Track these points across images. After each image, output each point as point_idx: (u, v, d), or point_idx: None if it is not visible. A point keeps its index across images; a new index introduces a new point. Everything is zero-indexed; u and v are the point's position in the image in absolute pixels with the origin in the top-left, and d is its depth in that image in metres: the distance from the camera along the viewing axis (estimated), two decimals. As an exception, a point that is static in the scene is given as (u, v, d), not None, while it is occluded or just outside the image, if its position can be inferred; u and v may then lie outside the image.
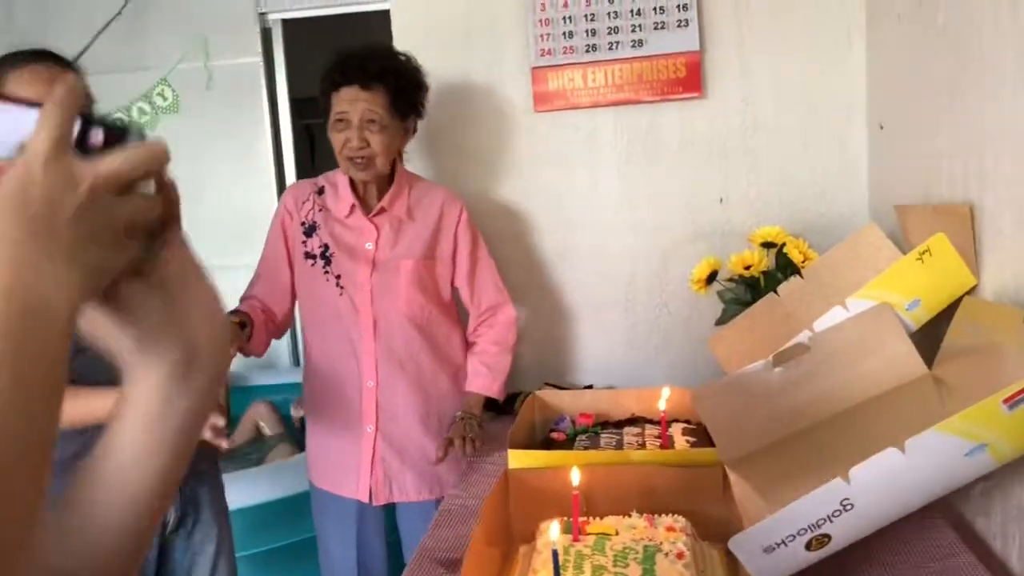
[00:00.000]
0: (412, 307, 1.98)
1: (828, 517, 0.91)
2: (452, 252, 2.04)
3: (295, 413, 3.17)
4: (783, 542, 0.92)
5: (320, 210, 2.01)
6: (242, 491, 2.37)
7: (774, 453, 1.34)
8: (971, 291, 1.39)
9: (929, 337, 1.43)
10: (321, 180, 2.07)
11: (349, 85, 1.89)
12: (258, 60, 4.02)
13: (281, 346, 3.64)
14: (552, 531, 1.14)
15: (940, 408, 1.30)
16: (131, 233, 0.51)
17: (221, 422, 1.53)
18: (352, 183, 2.00)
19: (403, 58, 1.99)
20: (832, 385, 1.34)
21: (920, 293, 1.38)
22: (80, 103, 0.50)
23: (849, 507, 0.90)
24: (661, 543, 1.24)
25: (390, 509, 2.07)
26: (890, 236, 1.69)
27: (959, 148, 1.46)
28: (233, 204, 3.97)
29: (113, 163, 0.50)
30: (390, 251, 1.98)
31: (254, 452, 3.04)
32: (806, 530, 0.92)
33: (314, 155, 5.94)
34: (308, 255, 2.00)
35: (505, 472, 1.42)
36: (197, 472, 1.74)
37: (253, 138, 4.05)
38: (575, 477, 1.29)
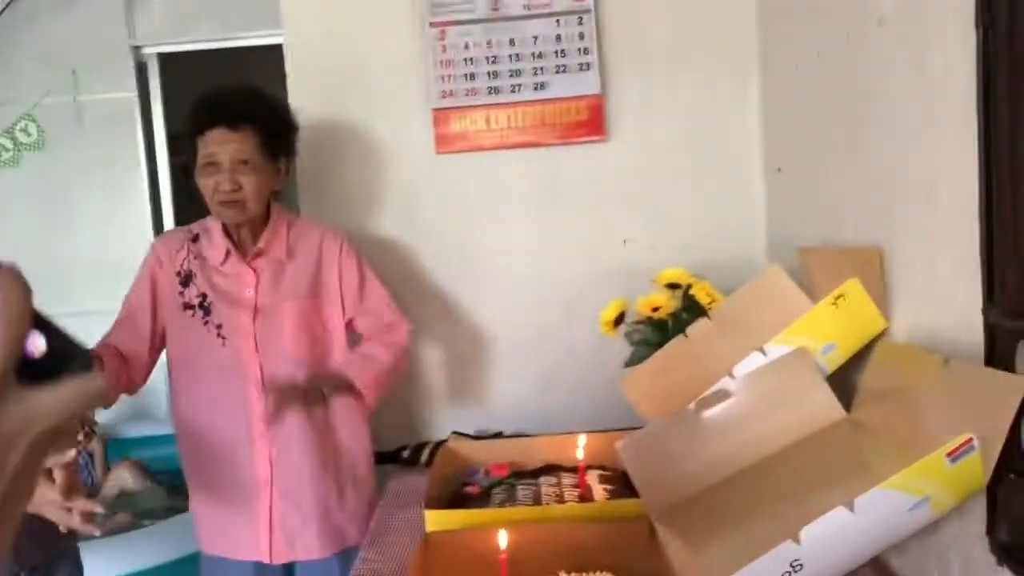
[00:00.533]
0: (300, 350, 1.88)
1: (778, 580, 0.88)
2: (338, 285, 1.95)
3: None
4: (733, 608, 0.89)
5: (195, 258, 1.91)
6: (120, 558, 2.20)
7: (701, 503, 1.32)
8: (882, 334, 1.41)
9: (842, 380, 1.45)
10: (195, 227, 1.96)
11: (216, 127, 1.81)
12: (133, 95, 3.84)
13: (157, 394, 3.43)
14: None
15: (860, 453, 1.31)
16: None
17: (97, 508, 1.41)
18: (225, 227, 1.90)
19: (271, 97, 1.92)
20: (755, 431, 1.34)
21: (835, 337, 1.40)
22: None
23: (799, 568, 0.88)
24: (593, 605, 1.20)
25: (288, 567, 1.94)
26: (792, 276, 1.71)
27: (863, 192, 1.50)
28: (106, 246, 3.76)
29: (53, 412, 0.43)
30: (271, 295, 1.89)
31: (121, 509, 2.84)
32: (758, 595, 0.89)
33: (191, 194, 5.74)
34: (187, 306, 1.88)
35: (425, 537, 1.34)
36: (55, 555, 1.61)
37: (127, 176, 3.87)
38: (502, 540, 1.23)
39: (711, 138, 2.20)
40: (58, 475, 1.36)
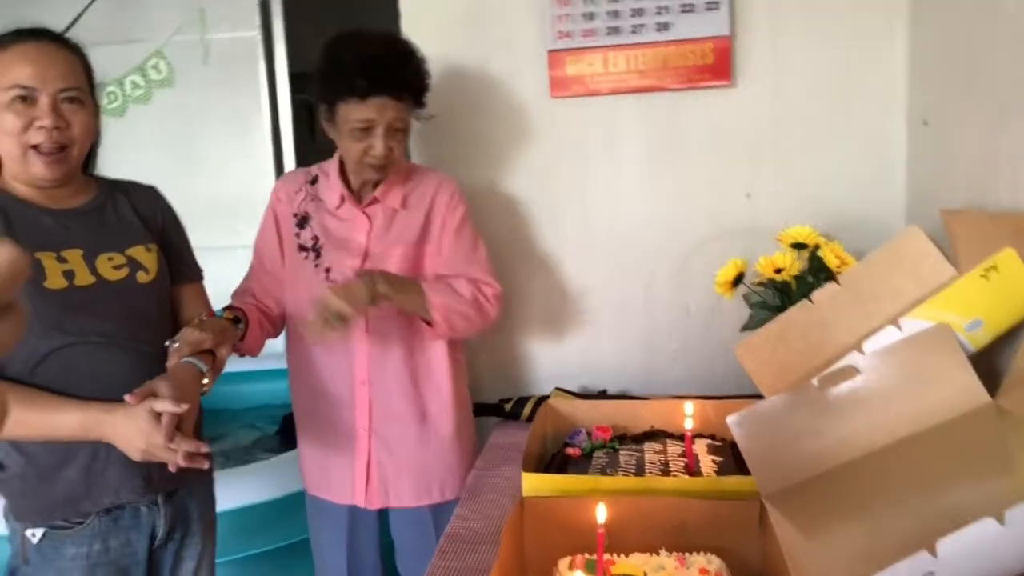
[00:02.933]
0: None
1: (908, 592, 0.79)
2: (439, 233, 1.90)
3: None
4: (854, 620, 0.80)
5: (312, 200, 1.90)
6: (233, 492, 2.27)
7: (819, 487, 1.22)
8: (1039, 313, 1.26)
9: (988, 362, 1.30)
10: (315, 169, 1.95)
11: (378, 95, 1.73)
12: (256, 34, 3.87)
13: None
14: (578, 581, 1.01)
15: (1005, 445, 1.17)
16: None
17: (201, 448, 1.42)
18: (343, 172, 1.89)
19: (419, 57, 1.85)
20: (885, 414, 1.22)
21: (982, 313, 1.26)
22: None
23: (933, 581, 0.78)
24: (695, 589, 1.13)
25: (383, 513, 1.96)
26: (933, 241, 1.56)
27: (1024, 150, 1.33)
28: (229, 182, 3.86)
29: None
30: (382, 241, 1.87)
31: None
32: (881, 608, 0.80)
33: (314, 131, 5.81)
34: (302, 247, 1.89)
35: (520, 501, 1.29)
36: (188, 484, 1.64)
37: (250, 114, 3.92)
38: (601, 514, 1.16)
39: (849, 86, 2.02)
40: (165, 419, 1.38)
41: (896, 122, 2.00)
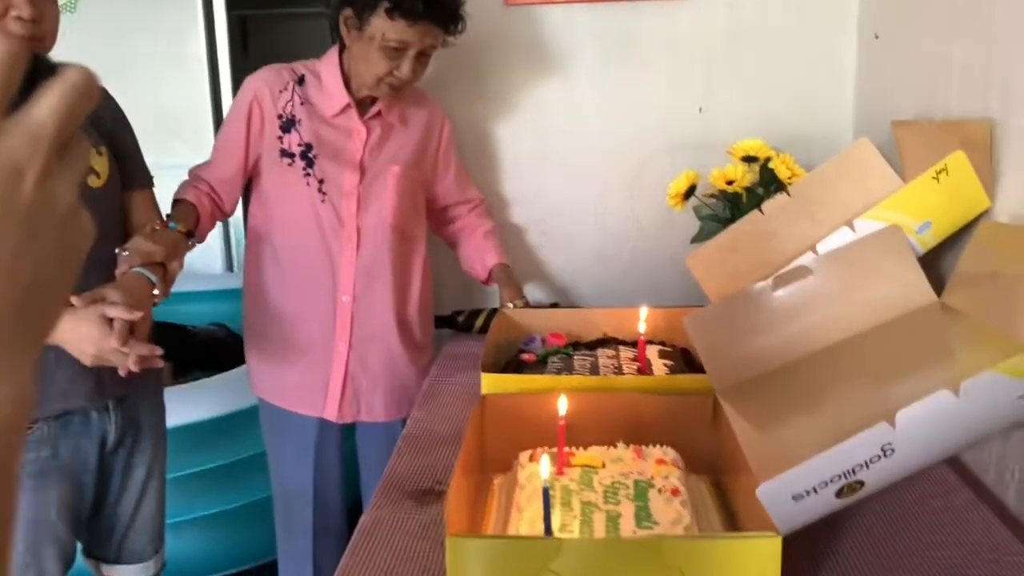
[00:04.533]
0: (397, 216, 1.85)
1: (865, 463, 0.82)
2: (435, 159, 1.94)
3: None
4: (814, 489, 0.84)
5: (302, 103, 1.81)
6: (182, 408, 2.24)
7: (772, 382, 1.26)
8: (984, 214, 1.30)
9: (935, 262, 1.35)
10: (300, 67, 1.85)
11: (425, 21, 1.67)
12: (190, -56, 3.70)
13: (212, 250, 3.44)
14: (543, 468, 1.03)
15: (948, 340, 1.23)
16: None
17: (156, 351, 1.39)
18: (346, 79, 1.81)
19: None
20: (835, 311, 1.26)
21: (932, 215, 1.30)
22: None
23: (890, 452, 0.81)
24: (652, 478, 1.16)
25: (349, 427, 1.97)
26: (882, 153, 1.59)
27: (975, 58, 1.36)
28: (163, 99, 3.71)
29: (48, 118, 0.35)
30: (377, 156, 1.83)
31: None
32: (840, 476, 0.83)
33: (247, 50, 5.61)
34: (285, 153, 1.81)
35: (482, 399, 1.30)
36: (139, 390, 1.62)
37: (185, 29, 3.76)
38: (562, 406, 1.19)
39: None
40: (118, 324, 1.34)
41: (848, 36, 2.02)
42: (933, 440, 0.83)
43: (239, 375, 2.45)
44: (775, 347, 1.28)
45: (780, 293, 1.28)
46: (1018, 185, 1.23)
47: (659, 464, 1.19)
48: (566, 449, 1.22)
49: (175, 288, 3.00)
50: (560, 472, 1.18)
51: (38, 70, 0.38)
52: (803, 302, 1.28)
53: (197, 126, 3.68)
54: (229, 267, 3.55)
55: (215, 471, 2.31)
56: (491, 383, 1.40)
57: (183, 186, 1.82)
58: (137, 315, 1.35)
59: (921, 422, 0.81)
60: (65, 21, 3.73)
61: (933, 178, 1.29)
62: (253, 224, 1.90)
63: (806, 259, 1.31)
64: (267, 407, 1.96)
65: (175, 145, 3.71)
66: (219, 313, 3.07)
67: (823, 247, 1.35)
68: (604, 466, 1.19)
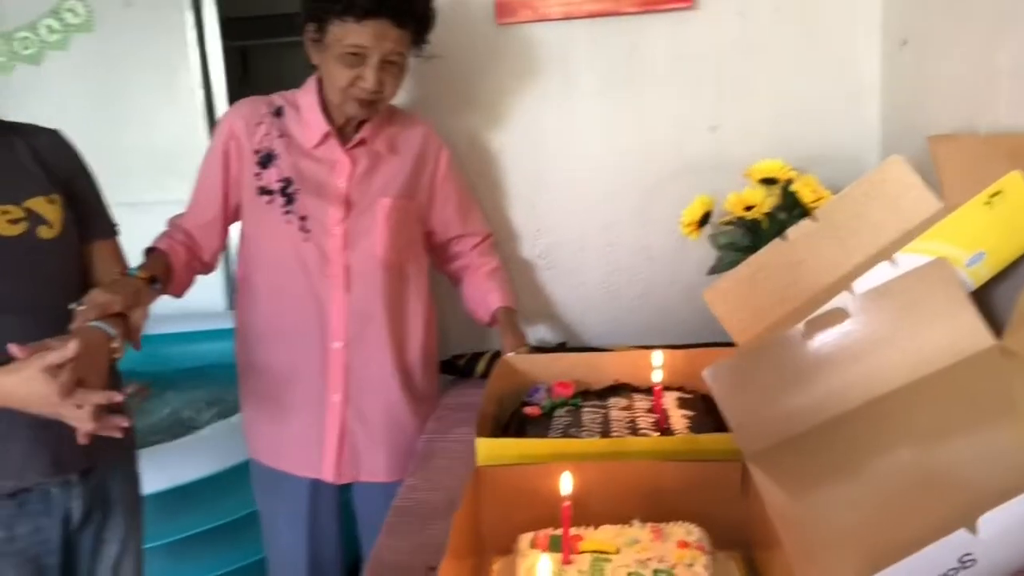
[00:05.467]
0: (389, 253, 1.71)
1: (941, 577, 0.66)
2: (431, 190, 1.80)
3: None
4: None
5: (280, 136, 1.70)
6: (164, 469, 2.10)
7: (806, 445, 1.10)
8: (1045, 243, 1.14)
9: (989, 298, 1.18)
10: (277, 99, 1.73)
11: (378, 18, 1.54)
12: (183, -23, 3.63)
13: (215, 286, 3.34)
14: (541, 568, 0.87)
15: (1010, 390, 1.06)
16: None
17: (115, 398, 1.26)
18: (325, 107, 1.68)
19: None
20: (878, 361, 1.09)
21: (985, 245, 1.13)
22: None
23: (970, 563, 0.65)
24: (674, 566, 1.00)
25: (345, 486, 1.82)
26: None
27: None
28: (157, 135, 3.66)
29: None
30: (365, 188, 1.70)
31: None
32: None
33: (248, 82, 5.54)
34: (263, 190, 1.69)
35: (475, 471, 1.15)
36: (107, 459, 1.48)
37: (178, 62, 3.69)
38: (566, 485, 1.03)
39: (820, 5, 1.88)
40: (64, 375, 1.20)
41: (870, 44, 1.86)
42: (1018, 547, 0.67)
43: (225, 428, 2.32)
44: (810, 404, 1.12)
45: (814, 341, 1.12)
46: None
47: (682, 547, 1.03)
48: (573, 531, 1.06)
49: (178, 328, 2.86)
50: (567, 561, 1.02)
51: None
52: (841, 351, 1.12)
53: (192, 161, 3.57)
54: (232, 305, 3.45)
55: (205, 535, 2.17)
56: (488, 449, 1.25)
57: (158, 236, 1.73)
58: (71, 347, 1.21)
59: (1007, 527, 0.65)
60: (58, 57, 3.66)
61: (985, 203, 1.12)
62: (240, 268, 1.78)
63: (842, 300, 1.15)
64: (260, 468, 1.83)
65: (169, 181, 3.60)
66: (225, 352, 2.95)
67: (860, 285, 1.18)
68: (618, 551, 1.04)
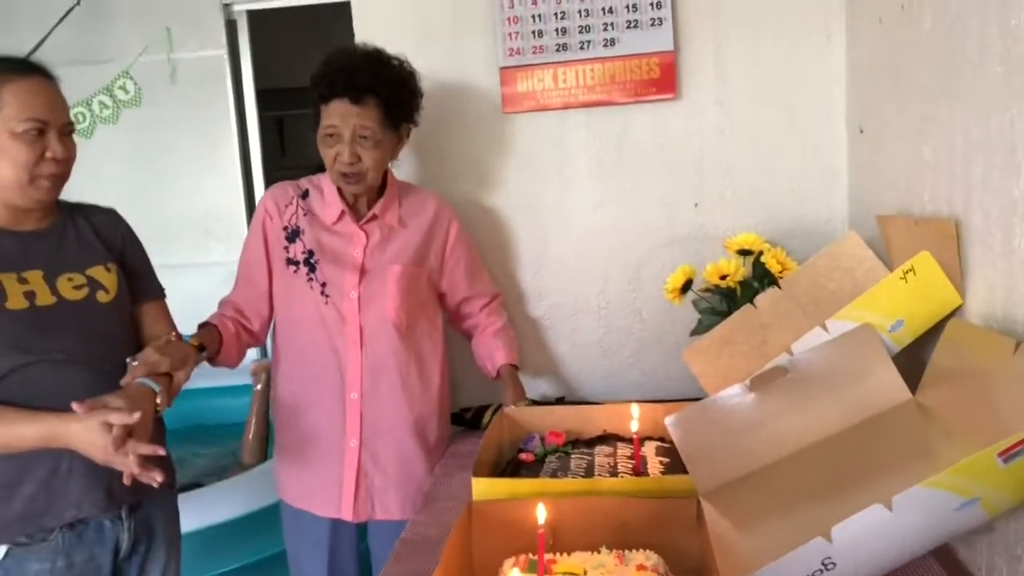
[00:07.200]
0: (399, 315, 1.91)
1: (809, 578, 0.84)
2: (442, 257, 2.00)
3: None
4: (761, 604, 0.85)
5: (305, 214, 1.93)
6: (201, 510, 2.29)
7: (751, 485, 1.27)
8: (956, 311, 1.32)
9: (910, 359, 1.36)
10: (304, 183, 1.99)
11: (339, 98, 1.81)
12: (223, 52, 3.89)
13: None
14: (514, 579, 1.06)
15: (925, 439, 1.23)
16: None
17: (159, 451, 1.46)
18: (340, 189, 1.92)
19: (396, 63, 1.90)
20: (813, 413, 1.28)
21: (903, 313, 1.32)
22: None
23: (831, 566, 0.83)
24: (632, 585, 1.17)
25: (362, 525, 2.00)
26: (871, 245, 1.62)
27: (943, 158, 1.40)
28: (198, 200, 3.88)
29: None
30: (379, 257, 1.92)
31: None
32: (785, 592, 0.85)
33: (284, 148, 5.81)
34: (290, 261, 1.92)
35: (469, 505, 1.34)
36: (152, 497, 1.67)
37: (219, 131, 3.94)
38: (541, 514, 1.21)
39: (790, 96, 2.09)
40: (115, 430, 1.41)
41: (837, 130, 2.06)
42: (874, 552, 0.85)
43: (259, 472, 2.52)
44: (756, 448, 1.30)
45: (757, 393, 1.30)
46: (983, 283, 1.25)
47: (640, 570, 1.20)
48: (550, 556, 1.24)
49: (225, 381, 3.00)
50: (541, 580, 1.20)
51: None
52: (782, 403, 1.30)
53: (231, 224, 3.81)
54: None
55: (238, 571, 2.34)
56: (482, 488, 1.44)
57: (211, 315, 1.93)
58: (134, 417, 1.42)
59: (857, 535, 0.83)
60: (108, 129, 3.89)
61: (901, 278, 1.32)
62: (275, 329, 1.99)
63: (782, 359, 1.34)
64: (287, 508, 2.02)
65: (209, 243, 3.87)
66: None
67: (798, 346, 1.37)
68: (585, 573, 1.21)
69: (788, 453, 1.28)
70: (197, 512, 2.22)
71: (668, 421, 1.34)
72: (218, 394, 3.23)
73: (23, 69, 1.53)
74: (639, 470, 1.56)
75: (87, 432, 1.43)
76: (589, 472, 1.57)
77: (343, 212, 1.91)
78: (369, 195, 1.93)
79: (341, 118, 1.81)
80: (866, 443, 1.25)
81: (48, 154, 1.52)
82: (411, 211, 1.98)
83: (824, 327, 1.36)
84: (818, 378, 1.30)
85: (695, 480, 1.31)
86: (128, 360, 1.57)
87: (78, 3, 3.71)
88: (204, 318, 1.91)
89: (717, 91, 2.11)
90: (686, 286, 1.97)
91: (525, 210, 2.22)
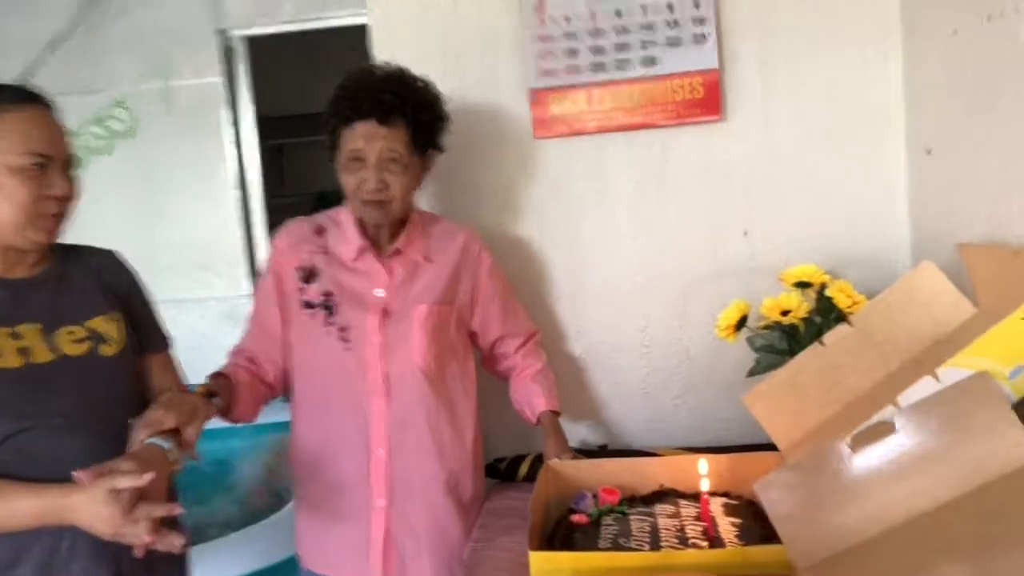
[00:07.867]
0: (427, 360, 1.74)
1: None
2: (472, 293, 1.84)
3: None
4: None
5: (322, 253, 1.77)
6: (214, 565, 2.13)
7: (856, 560, 1.11)
8: (1083, 356, 1.17)
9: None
10: (320, 219, 1.82)
11: (364, 120, 1.65)
12: (220, 80, 3.77)
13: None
14: None
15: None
16: None
17: (175, 510, 1.30)
18: (360, 222, 1.76)
19: (421, 84, 1.75)
20: (925, 475, 1.11)
21: (1024, 359, 1.16)
22: None
23: None
24: None
25: None
26: (948, 276, 1.47)
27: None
28: (196, 232, 3.73)
29: None
30: (403, 296, 1.75)
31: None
32: None
33: (283, 177, 5.68)
34: (307, 304, 1.75)
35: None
36: (162, 572, 1.51)
37: (216, 162, 3.81)
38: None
39: (842, 116, 1.95)
40: (125, 494, 1.24)
41: (895, 151, 1.92)
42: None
43: (274, 524, 2.35)
44: (860, 518, 1.14)
45: (862, 454, 1.14)
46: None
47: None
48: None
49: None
50: None
51: None
52: (888, 464, 1.14)
53: (230, 256, 3.67)
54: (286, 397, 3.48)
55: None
56: (541, 563, 1.28)
57: (221, 367, 1.77)
58: (144, 479, 1.25)
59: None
60: (102, 161, 3.76)
61: (1022, 318, 1.16)
62: (292, 378, 1.82)
63: (888, 413, 1.18)
64: (307, 570, 1.83)
65: (209, 278, 3.71)
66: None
67: (905, 399, 1.21)
68: (676, 671, 1.05)
69: (898, 523, 1.12)
70: (211, 567, 2.05)
71: (758, 487, 1.18)
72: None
73: (22, 98, 1.37)
74: (712, 535, 1.40)
75: (92, 503, 1.25)
76: (655, 538, 1.40)
77: (363, 248, 1.75)
78: (393, 229, 1.77)
79: (367, 140, 1.65)
80: (988, 511, 1.09)
81: (49, 191, 1.37)
82: (438, 244, 1.82)
83: (935, 375, 1.20)
84: (930, 435, 1.14)
85: (792, 554, 1.15)
86: (131, 421, 1.40)
87: (71, 31, 3.60)
88: (202, 356, 1.73)
89: (765, 112, 1.96)
90: (740, 323, 1.82)
91: (559, 242, 2.07)
